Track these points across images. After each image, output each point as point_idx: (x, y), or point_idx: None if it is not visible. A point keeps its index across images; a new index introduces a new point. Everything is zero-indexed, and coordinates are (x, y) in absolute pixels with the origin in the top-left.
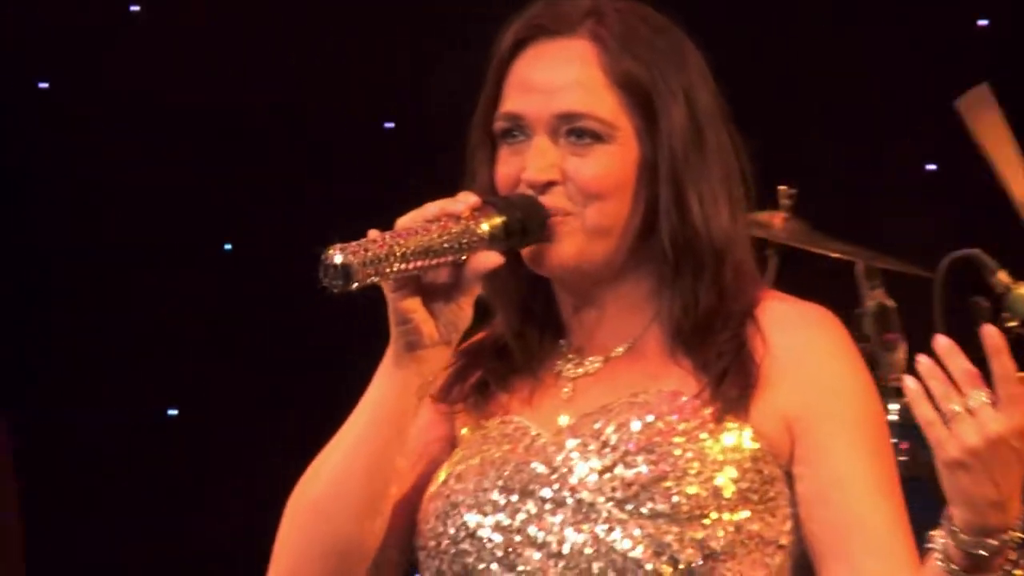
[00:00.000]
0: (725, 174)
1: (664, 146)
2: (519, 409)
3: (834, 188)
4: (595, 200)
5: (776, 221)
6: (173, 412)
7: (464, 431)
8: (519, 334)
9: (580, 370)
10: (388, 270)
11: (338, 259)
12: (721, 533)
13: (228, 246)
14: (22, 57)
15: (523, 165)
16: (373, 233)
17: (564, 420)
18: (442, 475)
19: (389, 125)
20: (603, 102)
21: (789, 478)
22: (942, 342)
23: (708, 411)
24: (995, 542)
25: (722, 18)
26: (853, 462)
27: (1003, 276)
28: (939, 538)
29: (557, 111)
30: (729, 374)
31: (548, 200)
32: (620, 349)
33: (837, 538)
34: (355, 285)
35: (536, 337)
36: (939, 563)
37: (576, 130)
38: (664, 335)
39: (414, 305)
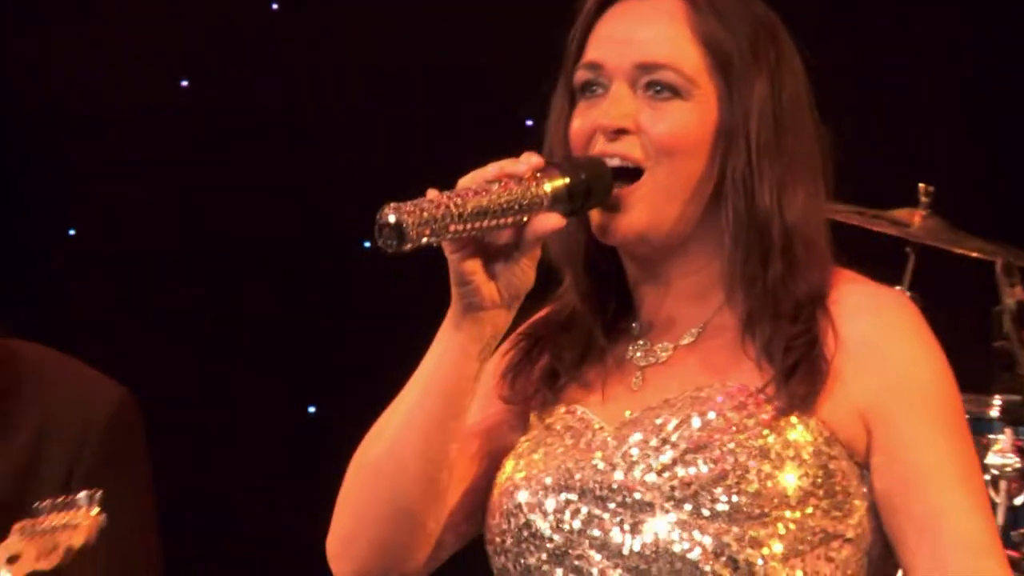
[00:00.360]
0: (803, 158)
1: (742, 115)
2: (588, 398)
3: (974, 185)
4: (666, 156)
5: (915, 218)
6: (312, 410)
7: (532, 416)
8: (588, 296)
9: (651, 358)
10: (444, 230)
11: (392, 218)
12: (783, 531)
13: (367, 244)
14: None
15: (599, 115)
16: (431, 193)
17: (628, 414)
18: (508, 467)
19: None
20: (686, 57)
21: (862, 470)
22: None
23: (772, 406)
24: None
25: (863, 14)
26: (932, 451)
27: None
28: None
29: (638, 60)
30: (798, 371)
31: (619, 149)
32: (688, 338)
33: (921, 530)
34: (409, 245)
35: (603, 305)
36: None
37: (655, 82)
38: (735, 322)
39: (474, 266)
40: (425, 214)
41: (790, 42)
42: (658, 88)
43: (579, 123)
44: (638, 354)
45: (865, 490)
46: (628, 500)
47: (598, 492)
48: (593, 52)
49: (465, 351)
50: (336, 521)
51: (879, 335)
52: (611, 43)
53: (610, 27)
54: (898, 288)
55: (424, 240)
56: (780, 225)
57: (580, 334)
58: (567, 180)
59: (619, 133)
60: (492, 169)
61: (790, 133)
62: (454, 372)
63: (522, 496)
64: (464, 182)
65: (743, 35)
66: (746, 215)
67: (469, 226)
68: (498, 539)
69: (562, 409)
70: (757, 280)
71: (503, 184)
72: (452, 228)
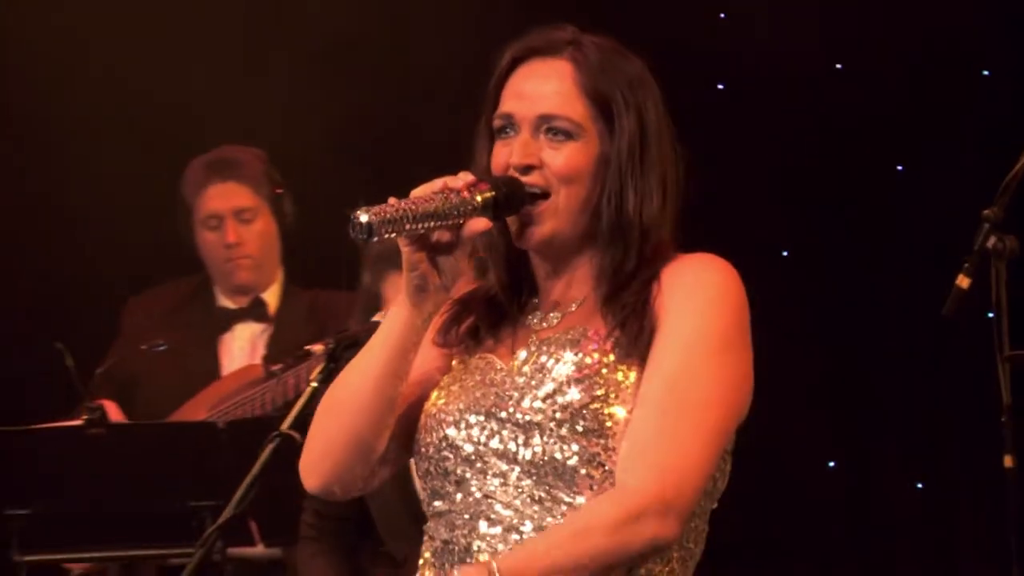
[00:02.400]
0: (662, 175)
1: (616, 148)
2: (497, 351)
3: None
4: (565, 183)
5: None
6: (832, 464)
7: (454, 362)
8: (506, 287)
9: (544, 324)
10: (402, 229)
11: (363, 218)
12: (597, 439)
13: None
14: None
15: (511, 153)
16: (392, 200)
17: (522, 356)
18: (433, 396)
19: None
20: (574, 109)
21: None
22: None
23: (612, 355)
24: None
25: None
26: (674, 375)
27: None
28: None
29: (539, 112)
30: (629, 328)
31: (529, 179)
32: (573, 307)
33: (632, 446)
34: (375, 239)
35: (517, 291)
36: None
37: (553, 128)
38: (601, 297)
39: (421, 258)
40: (387, 216)
41: (655, 86)
42: (555, 132)
43: (497, 159)
44: (535, 321)
45: None
46: (521, 421)
47: (498, 415)
48: (506, 105)
49: (412, 321)
50: (307, 446)
51: (683, 279)
52: (519, 98)
53: (518, 84)
54: None
55: (386, 235)
56: (638, 230)
57: (498, 308)
58: (493, 193)
59: (528, 169)
60: (438, 183)
61: (651, 158)
62: (402, 336)
63: (442, 415)
64: (416, 192)
65: (616, 85)
66: (615, 222)
67: (420, 225)
68: (423, 448)
69: (477, 356)
70: (619, 272)
71: (446, 195)
72: (407, 227)
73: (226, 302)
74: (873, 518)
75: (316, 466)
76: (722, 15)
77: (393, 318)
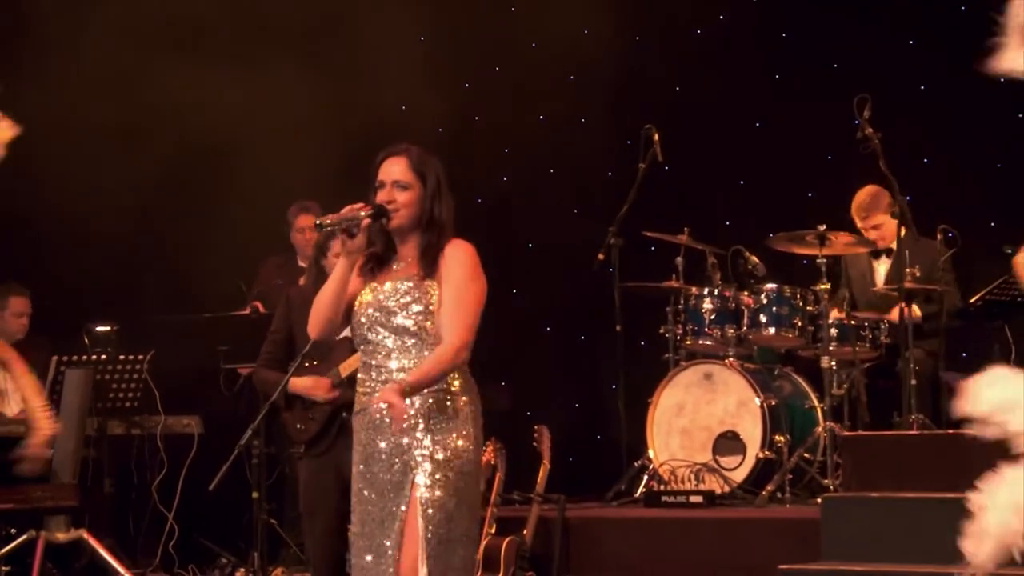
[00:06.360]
0: (447, 203)
1: (427, 190)
2: (382, 278)
3: None
4: (405, 207)
5: None
6: None
7: (368, 285)
8: (385, 250)
9: (397, 267)
10: (324, 224)
11: (318, 220)
12: (423, 319)
13: None
14: None
15: (385, 196)
16: (331, 215)
17: (387, 286)
18: (357, 301)
19: None
20: (407, 176)
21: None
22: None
23: (424, 282)
24: None
25: None
26: (457, 289)
27: None
28: None
29: (393, 179)
30: (431, 267)
31: (391, 205)
32: (408, 260)
33: (446, 316)
34: (321, 228)
35: (388, 253)
36: None
37: (398, 184)
38: (418, 254)
39: (343, 238)
40: (327, 219)
41: (440, 167)
42: (399, 185)
43: (379, 199)
44: (395, 266)
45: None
46: (386, 311)
47: (380, 308)
48: (380, 176)
49: (345, 268)
50: (310, 325)
51: (450, 253)
52: (386, 173)
53: (385, 168)
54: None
55: (327, 228)
56: (436, 223)
57: (383, 260)
58: (374, 211)
59: (390, 201)
60: (347, 206)
61: (440, 195)
62: (343, 273)
63: (359, 308)
64: (343, 210)
65: (425, 165)
66: (427, 219)
67: (339, 224)
68: (354, 322)
69: (373, 284)
70: (427, 242)
71: (353, 211)
72: (331, 223)
73: (303, 264)
74: None
75: (312, 326)
76: None
77: (339, 266)
